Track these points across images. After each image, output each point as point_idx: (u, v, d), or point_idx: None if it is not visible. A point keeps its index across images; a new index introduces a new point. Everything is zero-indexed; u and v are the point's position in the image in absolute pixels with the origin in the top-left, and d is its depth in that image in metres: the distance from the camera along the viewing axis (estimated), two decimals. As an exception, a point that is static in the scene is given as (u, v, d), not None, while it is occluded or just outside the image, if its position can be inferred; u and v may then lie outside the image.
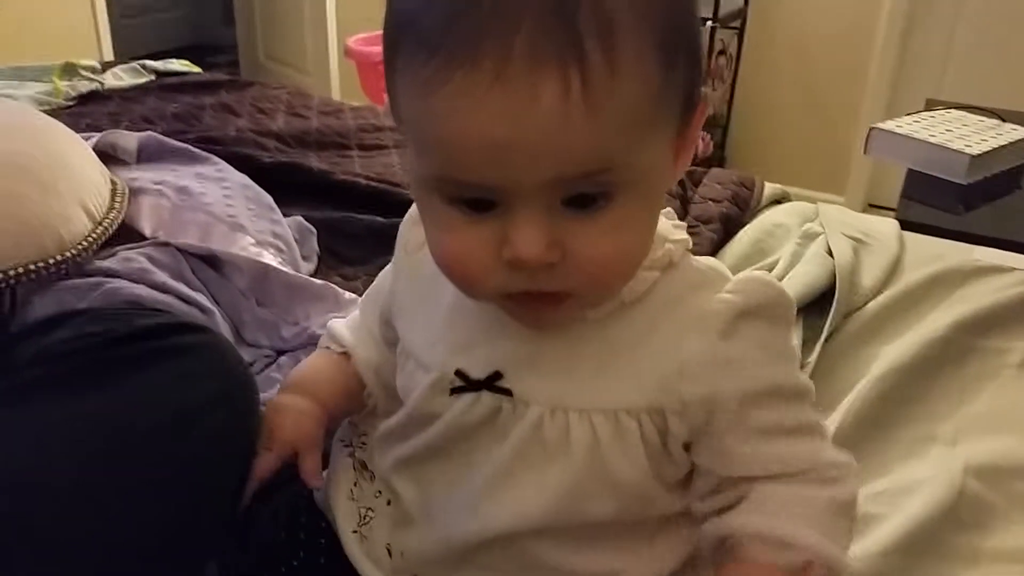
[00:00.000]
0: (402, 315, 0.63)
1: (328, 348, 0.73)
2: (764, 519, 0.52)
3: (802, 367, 0.98)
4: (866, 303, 1.09)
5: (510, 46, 0.40)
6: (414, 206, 0.60)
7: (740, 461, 0.53)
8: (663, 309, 0.53)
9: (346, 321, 0.74)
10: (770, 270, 1.15)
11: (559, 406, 0.53)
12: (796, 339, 1.01)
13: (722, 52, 2.97)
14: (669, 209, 0.57)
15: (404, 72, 0.45)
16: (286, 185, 1.42)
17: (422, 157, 0.47)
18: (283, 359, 1.06)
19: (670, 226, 0.55)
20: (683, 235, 0.55)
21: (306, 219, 1.30)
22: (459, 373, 0.55)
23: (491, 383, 0.54)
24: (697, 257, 0.56)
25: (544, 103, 0.41)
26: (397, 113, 0.48)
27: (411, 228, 0.63)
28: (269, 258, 1.14)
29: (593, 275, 0.47)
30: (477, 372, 0.55)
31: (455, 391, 0.55)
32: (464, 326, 0.56)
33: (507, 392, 0.54)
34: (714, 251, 1.24)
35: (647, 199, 0.48)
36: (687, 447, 0.54)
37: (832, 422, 0.88)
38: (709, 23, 2.69)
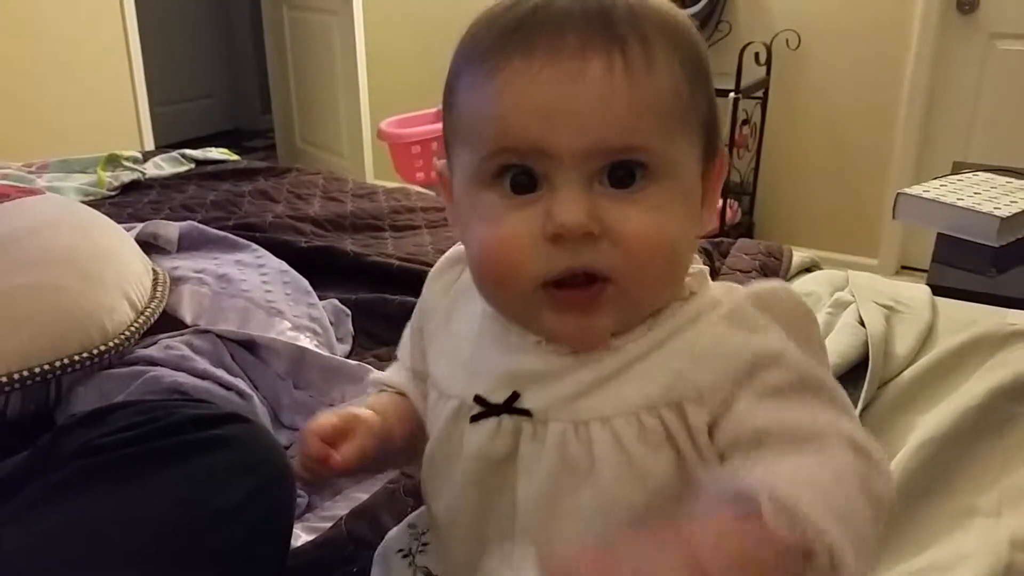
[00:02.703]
0: (431, 349, 0.63)
1: (383, 390, 0.70)
2: (781, 482, 0.44)
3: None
4: (900, 372, 1.08)
5: (561, 40, 0.49)
6: (449, 251, 0.64)
7: (752, 415, 0.50)
8: (681, 325, 0.54)
9: (388, 371, 0.72)
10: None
11: (580, 419, 0.52)
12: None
13: (746, 122, 3.01)
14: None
15: (465, 79, 0.53)
16: (322, 268, 1.46)
17: (475, 145, 0.52)
18: (320, 442, 1.07)
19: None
20: (700, 266, 0.57)
21: (341, 301, 1.33)
22: (478, 399, 0.55)
23: (510, 405, 0.54)
24: (714, 283, 0.57)
25: (590, 76, 0.48)
26: (453, 127, 0.55)
27: (448, 268, 0.65)
28: (306, 341, 1.17)
29: (632, 253, 0.50)
30: (496, 396, 0.55)
31: (475, 418, 0.55)
32: (484, 353, 0.57)
33: (526, 413, 0.54)
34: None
35: (681, 199, 0.52)
36: (711, 434, 0.52)
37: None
38: (732, 95, 2.73)
